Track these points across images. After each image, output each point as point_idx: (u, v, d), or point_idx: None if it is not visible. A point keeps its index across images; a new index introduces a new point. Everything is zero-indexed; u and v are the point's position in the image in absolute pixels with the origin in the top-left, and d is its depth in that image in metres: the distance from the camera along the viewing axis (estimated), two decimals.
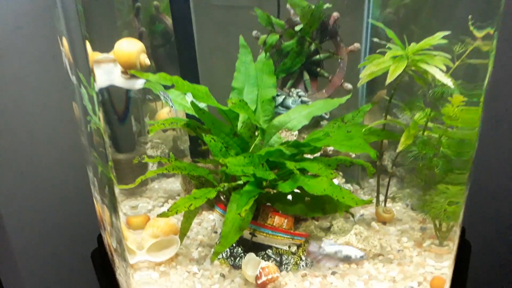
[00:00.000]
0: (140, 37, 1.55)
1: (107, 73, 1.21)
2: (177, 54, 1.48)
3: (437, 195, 1.12)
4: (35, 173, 1.70)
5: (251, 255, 1.19)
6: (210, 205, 1.53)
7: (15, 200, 1.69)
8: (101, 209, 1.35)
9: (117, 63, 1.24)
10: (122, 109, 1.46)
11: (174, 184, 1.81)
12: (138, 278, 1.23)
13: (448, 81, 1.12)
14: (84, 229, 1.65)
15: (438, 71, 1.15)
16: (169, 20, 1.61)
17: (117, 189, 1.14)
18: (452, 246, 1.18)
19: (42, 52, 1.56)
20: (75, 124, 1.39)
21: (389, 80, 1.12)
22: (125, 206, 1.59)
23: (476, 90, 1.10)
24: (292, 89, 1.51)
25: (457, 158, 1.12)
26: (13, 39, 1.50)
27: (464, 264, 1.37)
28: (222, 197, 1.36)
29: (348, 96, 1.37)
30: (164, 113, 1.71)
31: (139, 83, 1.24)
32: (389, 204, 1.50)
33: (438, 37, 1.19)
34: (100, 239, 1.55)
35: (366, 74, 1.20)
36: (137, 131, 1.72)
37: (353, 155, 1.48)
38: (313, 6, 1.39)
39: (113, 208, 1.16)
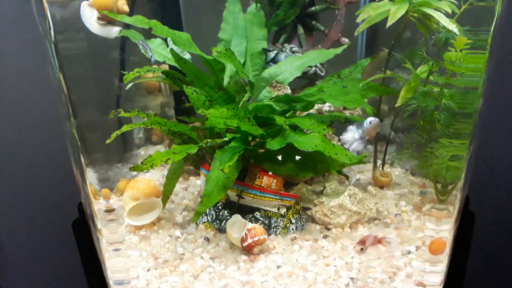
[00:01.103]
0: None
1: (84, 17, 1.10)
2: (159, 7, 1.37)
3: (439, 150, 1.02)
4: (15, 146, 1.62)
5: (236, 217, 1.10)
6: (198, 169, 1.45)
7: None
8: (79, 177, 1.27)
9: (94, 8, 1.13)
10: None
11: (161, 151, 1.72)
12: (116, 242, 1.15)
13: (453, 27, 1.01)
14: (65, 200, 1.57)
15: (442, 15, 1.04)
16: None
17: (83, 158, 1.05)
18: (453, 210, 1.08)
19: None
20: (53, 93, 1.30)
21: (390, 22, 1.01)
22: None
23: (481, 35, 0.99)
24: (285, 44, 1.39)
25: (462, 111, 1.02)
26: None
27: (467, 235, 1.28)
28: (208, 159, 1.27)
29: (345, 46, 1.27)
30: (149, 74, 1.60)
31: (115, 31, 1.13)
32: (387, 170, 1.40)
33: None
34: (80, 207, 1.47)
35: (364, 18, 1.08)
36: (122, 95, 1.62)
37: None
38: None
39: (81, 172, 1.07)
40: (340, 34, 1.38)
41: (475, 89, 0.99)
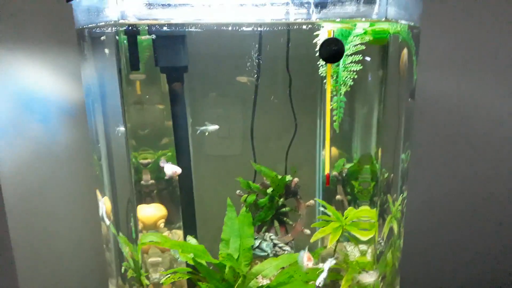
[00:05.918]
0: None
1: None
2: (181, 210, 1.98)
3: None
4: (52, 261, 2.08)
5: None
6: None
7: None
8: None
9: None
10: None
11: None
12: None
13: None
14: None
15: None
16: None
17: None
18: None
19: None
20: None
21: (329, 244, 1.64)
22: None
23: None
24: (266, 233, 2.01)
25: None
26: None
27: None
28: None
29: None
30: None
31: None
32: None
33: (364, 211, 1.74)
34: None
35: (316, 236, 1.72)
36: None
37: None
38: (279, 176, 1.96)
39: None
40: (303, 227, 2.01)
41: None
